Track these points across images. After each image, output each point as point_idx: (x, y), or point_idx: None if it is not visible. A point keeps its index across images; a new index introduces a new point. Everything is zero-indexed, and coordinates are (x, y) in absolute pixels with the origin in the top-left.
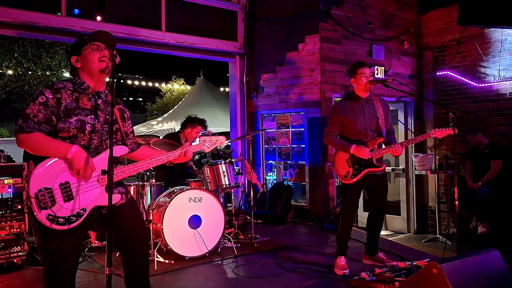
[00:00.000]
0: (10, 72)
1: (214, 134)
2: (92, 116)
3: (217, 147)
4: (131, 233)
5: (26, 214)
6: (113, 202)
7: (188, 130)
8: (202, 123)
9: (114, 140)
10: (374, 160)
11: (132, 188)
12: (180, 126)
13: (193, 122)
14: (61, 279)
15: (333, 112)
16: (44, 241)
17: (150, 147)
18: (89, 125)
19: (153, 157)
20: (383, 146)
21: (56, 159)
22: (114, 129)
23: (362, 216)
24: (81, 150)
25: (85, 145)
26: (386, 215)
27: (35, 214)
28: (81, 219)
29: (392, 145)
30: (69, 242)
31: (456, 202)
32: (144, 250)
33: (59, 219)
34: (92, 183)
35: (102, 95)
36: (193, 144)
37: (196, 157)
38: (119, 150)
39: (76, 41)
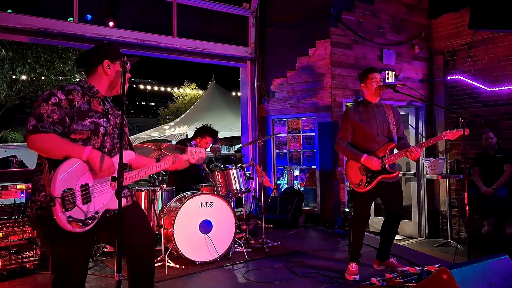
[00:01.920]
0: (23, 77)
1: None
2: (105, 119)
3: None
4: (135, 234)
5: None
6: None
7: (198, 139)
8: (211, 134)
9: (125, 143)
10: (387, 166)
11: (143, 193)
12: (194, 133)
13: (203, 132)
14: (71, 284)
15: (344, 118)
16: (53, 245)
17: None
18: (103, 127)
19: (152, 165)
20: (395, 152)
21: (77, 159)
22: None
23: (374, 221)
24: (94, 150)
25: (98, 148)
26: None
27: (55, 217)
28: (95, 222)
29: (410, 148)
30: (80, 246)
31: (467, 207)
32: (149, 251)
33: (78, 222)
34: (106, 187)
35: (109, 99)
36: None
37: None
38: (128, 155)
39: (108, 48)
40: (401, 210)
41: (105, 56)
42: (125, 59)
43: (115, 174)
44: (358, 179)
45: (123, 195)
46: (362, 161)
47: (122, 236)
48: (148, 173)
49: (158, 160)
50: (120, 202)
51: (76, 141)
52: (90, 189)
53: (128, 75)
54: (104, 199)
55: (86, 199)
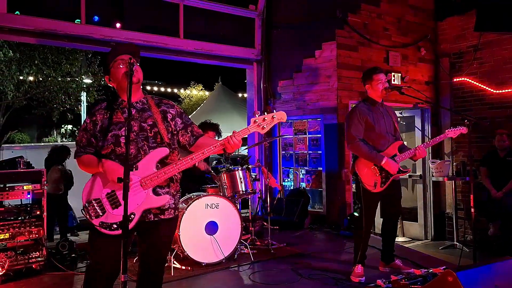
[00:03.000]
0: (30, 78)
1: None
2: (125, 128)
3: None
4: (155, 253)
5: (45, 220)
6: (160, 204)
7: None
8: (214, 127)
9: (155, 144)
10: (400, 165)
11: None
12: None
13: (205, 128)
14: (100, 278)
15: (354, 115)
16: (91, 241)
17: (207, 137)
18: (123, 137)
19: (198, 152)
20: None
21: (97, 173)
22: (153, 134)
23: (378, 223)
24: (107, 161)
25: (123, 155)
26: (403, 221)
27: (90, 222)
28: (133, 223)
29: (417, 148)
30: (115, 246)
31: (472, 210)
32: (161, 269)
33: (112, 225)
34: (136, 188)
35: (138, 104)
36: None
37: (213, 163)
38: (159, 152)
39: (104, 60)
40: (400, 208)
41: (105, 74)
42: (121, 57)
43: (136, 180)
44: (373, 181)
45: (167, 199)
46: (382, 164)
47: (126, 237)
48: (190, 162)
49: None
50: (126, 202)
51: (106, 156)
52: (117, 194)
53: (136, 69)
54: (138, 200)
55: (114, 204)
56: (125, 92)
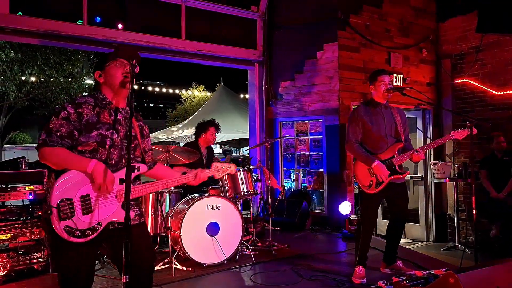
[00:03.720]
0: (33, 79)
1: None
2: (112, 131)
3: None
4: (137, 255)
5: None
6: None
7: (203, 136)
8: (213, 124)
9: (133, 156)
10: (397, 167)
11: (151, 195)
12: (194, 135)
13: (205, 127)
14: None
15: (353, 118)
16: (58, 251)
17: (164, 165)
18: (109, 139)
19: (170, 179)
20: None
21: (77, 171)
22: (133, 145)
23: (381, 224)
24: (100, 163)
25: (105, 160)
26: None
27: (53, 225)
28: (96, 234)
29: (415, 150)
30: (83, 255)
31: (474, 211)
32: (149, 274)
33: (76, 232)
34: (111, 198)
35: (123, 111)
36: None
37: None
38: (139, 168)
39: (100, 58)
40: (406, 212)
41: (95, 69)
42: (122, 60)
43: (114, 191)
44: (368, 181)
45: (133, 211)
46: (372, 167)
47: (128, 239)
48: (163, 186)
49: (184, 173)
50: (127, 204)
51: (83, 153)
52: (92, 200)
53: (138, 69)
54: (108, 210)
55: (86, 209)
56: (114, 93)
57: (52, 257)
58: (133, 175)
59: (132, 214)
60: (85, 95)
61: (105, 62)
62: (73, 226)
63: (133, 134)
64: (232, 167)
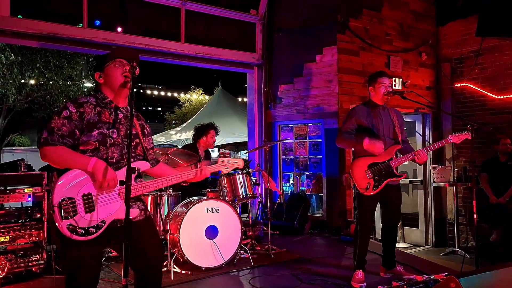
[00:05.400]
0: (32, 82)
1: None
2: (113, 130)
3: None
4: (146, 252)
5: (45, 223)
6: (131, 216)
7: (203, 139)
8: (212, 127)
9: (135, 154)
10: (395, 169)
11: (149, 198)
12: (192, 138)
13: (205, 129)
14: (79, 285)
15: (351, 114)
16: (64, 250)
17: (166, 164)
18: (110, 138)
19: (173, 175)
20: (399, 155)
21: (78, 170)
22: (134, 143)
23: (379, 228)
24: (100, 161)
25: (106, 159)
26: (404, 227)
27: (56, 223)
28: (100, 231)
29: (417, 151)
30: (88, 253)
31: (475, 215)
32: (158, 271)
33: (79, 230)
34: (114, 196)
35: (124, 110)
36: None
37: None
38: (141, 165)
39: (100, 59)
40: (399, 212)
41: (95, 70)
42: (120, 60)
43: (117, 189)
44: (365, 183)
45: (137, 207)
46: (365, 146)
47: (129, 240)
48: (167, 183)
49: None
50: (127, 206)
51: (85, 152)
52: (94, 198)
53: (137, 69)
54: (112, 208)
55: (89, 208)
56: (115, 93)
57: (60, 257)
58: (140, 170)
59: (136, 211)
60: (87, 95)
61: (104, 63)
62: (75, 225)
63: (134, 132)
64: (239, 162)
